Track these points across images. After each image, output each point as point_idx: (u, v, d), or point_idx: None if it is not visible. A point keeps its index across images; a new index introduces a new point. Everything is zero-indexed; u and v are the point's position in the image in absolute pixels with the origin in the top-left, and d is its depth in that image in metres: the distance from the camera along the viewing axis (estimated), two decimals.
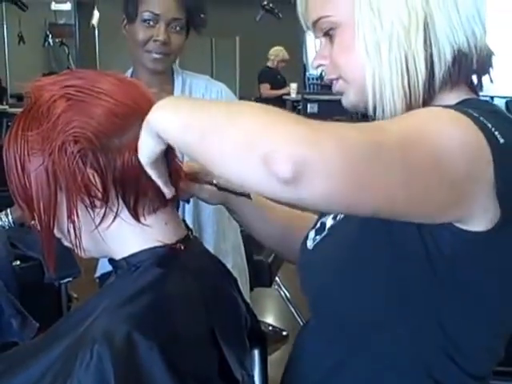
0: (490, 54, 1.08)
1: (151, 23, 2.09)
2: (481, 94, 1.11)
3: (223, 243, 2.32)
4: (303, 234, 1.24)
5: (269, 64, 9.58)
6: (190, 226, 1.26)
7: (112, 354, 0.93)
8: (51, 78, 1.08)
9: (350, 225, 1.09)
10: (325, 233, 1.17)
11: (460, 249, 0.95)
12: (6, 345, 2.19)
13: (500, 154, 0.89)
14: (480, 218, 0.93)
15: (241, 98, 11.78)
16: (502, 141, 0.90)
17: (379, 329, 1.05)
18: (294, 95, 9.77)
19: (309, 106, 9.34)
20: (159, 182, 1.06)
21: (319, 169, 0.78)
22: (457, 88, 1.06)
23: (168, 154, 1.06)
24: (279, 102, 9.63)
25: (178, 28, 2.12)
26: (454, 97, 1.05)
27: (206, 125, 0.88)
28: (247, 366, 1.20)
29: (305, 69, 10.33)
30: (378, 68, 1.02)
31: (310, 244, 1.20)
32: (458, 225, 0.94)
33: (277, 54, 9.44)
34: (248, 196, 1.24)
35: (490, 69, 1.09)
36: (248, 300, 2.22)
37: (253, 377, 1.29)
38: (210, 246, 2.12)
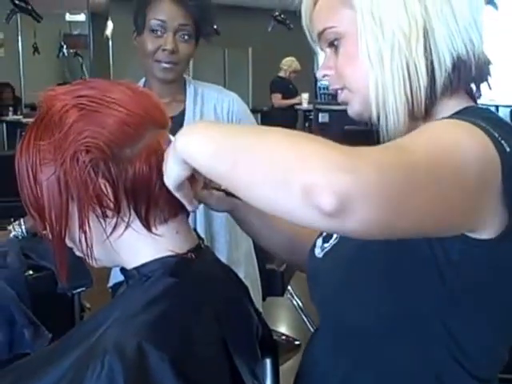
0: (487, 63, 1.10)
1: (159, 33, 2.10)
2: (485, 103, 1.12)
3: (236, 252, 2.31)
4: (311, 241, 1.24)
5: (281, 74, 9.60)
6: (202, 235, 1.26)
7: (123, 364, 0.93)
8: (63, 88, 1.09)
9: None
10: (334, 241, 1.17)
11: (469, 256, 0.96)
12: (18, 355, 2.20)
13: (507, 162, 0.91)
14: (489, 227, 0.94)
15: (253, 107, 11.87)
16: (508, 150, 0.92)
17: (386, 339, 1.05)
18: (305, 105, 9.81)
19: (320, 115, 9.36)
20: (184, 202, 1.07)
21: (362, 198, 0.77)
22: (456, 95, 1.08)
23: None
24: (291, 111, 9.66)
25: (185, 37, 2.13)
26: (454, 104, 1.07)
27: (237, 154, 0.86)
28: (259, 376, 1.20)
29: (316, 79, 10.36)
30: (380, 76, 1.04)
31: (318, 252, 1.20)
32: (468, 234, 0.94)
33: (289, 64, 9.46)
34: None
35: (488, 77, 1.11)
36: (260, 309, 2.22)
37: None
38: (222, 255, 2.11)
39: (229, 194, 1.24)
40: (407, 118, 1.05)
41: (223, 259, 1.34)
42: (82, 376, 0.95)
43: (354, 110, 1.12)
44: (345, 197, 0.76)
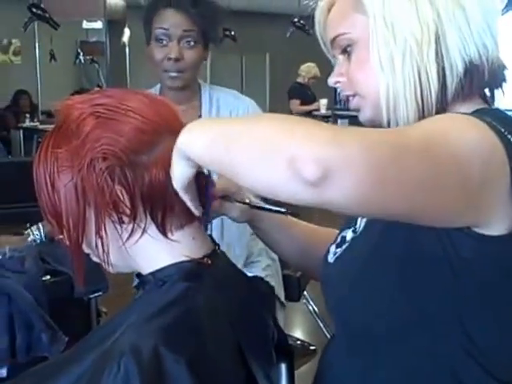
0: (502, 68, 1.10)
1: (164, 42, 2.14)
2: (497, 107, 1.12)
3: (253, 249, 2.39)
4: (325, 249, 1.25)
5: (299, 80, 9.56)
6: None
7: (139, 367, 0.93)
8: (81, 97, 1.10)
9: (368, 237, 1.11)
10: (345, 245, 1.18)
11: (479, 253, 0.96)
12: (35, 358, 2.22)
13: None
14: (498, 223, 0.94)
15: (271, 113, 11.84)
16: None
17: (399, 340, 1.05)
18: (323, 111, 9.75)
19: (339, 121, 9.33)
20: (191, 205, 1.08)
21: (344, 168, 0.79)
22: (469, 100, 1.07)
23: (199, 179, 1.08)
24: (309, 117, 9.63)
25: (191, 43, 2.15)
26: (466, 108, 1.06)
27: (228, 137, 0.89)
28: (274, 380, 1.20)
29: None
30: (391, 82, 1.04)
31: (330, 257, 1.21)
32: (476, 229, 0.94)
33: (308, 70, 9.40)
34: (283, 213, 1.23)
35: (504, 82, 1.11)
36: (282, 300, 2.25)
37: None
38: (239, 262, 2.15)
39: (253, 206, 1.26)
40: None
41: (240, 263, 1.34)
42: (98, 378, 0.96)
43: (365, 116, 1.13)
44: (327, 166, 0.78)
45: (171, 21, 2.14)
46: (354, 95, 1.13)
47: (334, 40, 1.13)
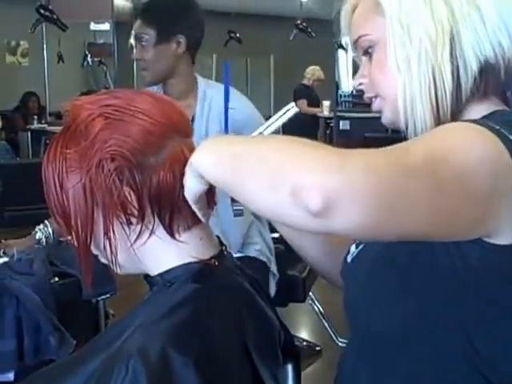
0: None
1: (135, 46, 2.48)
2: None
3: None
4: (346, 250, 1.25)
5: (304, 82, 9.60)
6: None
7: (147, 369, 0.94)
8: (89, 98, 1.11)
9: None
10: (361, 246, 1.18)
11: (488, 262, 0.95)
12: (43, 361, 2.22)
13: None
14: (504, 231, 0.93)
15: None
16: None
17: (406, 346, 1.05)
18: (326, 112, 9.79)
19: (341, 123, 9.35)
20: (199, 214, 1.08)
21: (348, 197, 0.78)
22: (486, 100, 1.07)
23: (211, 188, 1.07)
24: (312, 119, 9.66)
25: (144, 44, 2.45)
26: (483, 108, 1.06)
27: (236, 161, 0.90)
28: (280, 381, 1.20)
29: (337, 86, 10.35)
30: (408, 83, 1.04)
31: (349, 257, 1.21)
32: (485, 239, 0.93)
33: (313, 73, 9.46)
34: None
35: None
36: (275, 272, 2.35)
37: None
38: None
39: None
40: (433, 124, 1.04)
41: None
42: (106, 380, 0.97)
43: (386, 118, 1.13)
44: (331, 196, 0.78)
45: (134, 28, 2.50)
46: (375, 97, 1.13)
47: (356, 41, 1.13)
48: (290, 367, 1.36)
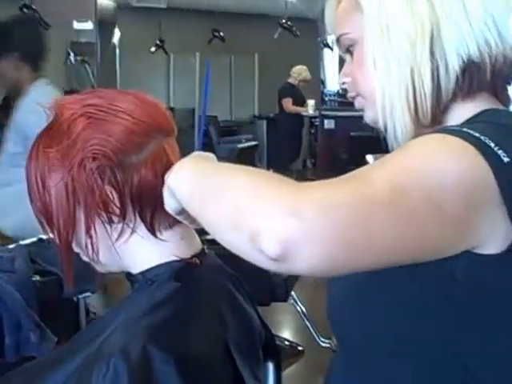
0: None
1: None
2: (505, 109, 1.06)
3: None
4: None
5: (290, 80, 9.62)
6: None
7: (128, 367, 0.94)
8: (72, 97, 1.12)
9: None
10: None
11: (474, 273, 0.91)
12: (24, 358, 2.22)
13: (505, 174, 0.85)
14: (491, 241, 0.89)
15: (259, 114, 11.76)
16: (506, 160, 0.86)
17: (392, 356, 1.02)
18: (311, 111, 9.81)
19: (326, 121, 9.34)
20: (186, 223, 1.09)
21: (305, 242, 0.77)
22: (471, 99, 1.02)
23: None
24: (297, 117, 9.69)
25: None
26: (469, 109, 1.02)
27: (203, 196, 0.91)
28: (261, 379, 1.21)
29: (322, 85, 10.37)
30: (387, 83, 1.01)
31: None
32: (472, 250, 0.89)
33: (300, 72, 9.47)
34: None
35: None
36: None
37: None
38: None
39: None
40: (413, 125, 1.01)
41: None
42: (88, 377, 0.97)
43: (368, 117, 1.10)
44: (287, 242, 0.76)
45: None
46: (357, 95, 1.11)
47: (338, 40, 1.11)
48: (270, 366, 1.37)
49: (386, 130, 1.04)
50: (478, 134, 0.88)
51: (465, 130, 0.90)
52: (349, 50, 1.10)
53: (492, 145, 0.86)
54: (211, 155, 1.06)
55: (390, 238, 0.80)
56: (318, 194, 0.80)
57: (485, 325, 0.95)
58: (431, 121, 1.02)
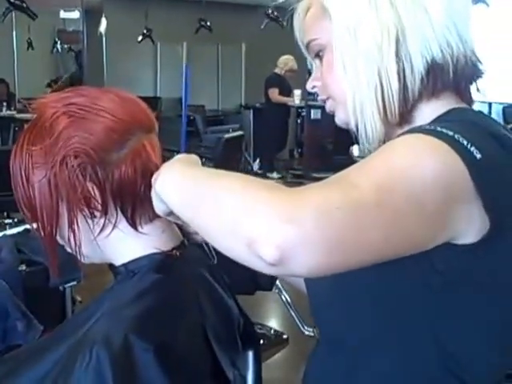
0: (475, 63, 1.08)
1: None
2: (478, 100, 1.11)
3: None
4: None
5: (277, 71, 9.54)
6: None
7: (110, 355, 0.97)
8: (55, 95, 1.14)
9: None
10: None
11: (453, 263, 0.96)
12: (10, 347, 2.24)
13: (479, 170, 0.89)
14: (467, 232, 0.93)
15: (246, 104, 11.69)
16: (478, 156, 0.90)
17: (376, 346, 1.06)
18: (297, 102, 9.75)
19: (312, 112, 9.33)
20: (179, 222, 1.12)
21: (302, 246, 0.79)
22: (436, 99, 1.06)
23: None
24: (284, 108, 9.65)
25: None
26: (436, 107, 1.06)
27: (196, 204, 0.92)
28: (240, 367, 1.24)
29: (309, 75, 10.33)
30: (356, 85, 1.05)
31: None
32: (451, 241, 0.94)
33: (286, 62, 9.37)
34: None
35: (478, 77, 1.10)
36: None
37: (245, 377, 1.34)
38: None
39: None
40: (383, 125, 1.05)
41: None
42: (71, 366, 1.00)
43: (340, 119, 1.13)
44: (285, 247, 0.79)
45: None
46: (328, 98, 1.14)
47: (307, 45, 1.14)
48: (250, 354, 1.39)
49: (357, 130, 1.07)
50: (451, 133, 0.92)
51: (439, 129, 0.93)
52: (318, 55, 1.13)
53: (465, 142, 0.91)
54: (195, 157, 1.07)
55: (380, 238, 0.84)
56: (313, 201, 0.82)
57: (467, 311, 1.00)
58: (399, 120, 1.06)
